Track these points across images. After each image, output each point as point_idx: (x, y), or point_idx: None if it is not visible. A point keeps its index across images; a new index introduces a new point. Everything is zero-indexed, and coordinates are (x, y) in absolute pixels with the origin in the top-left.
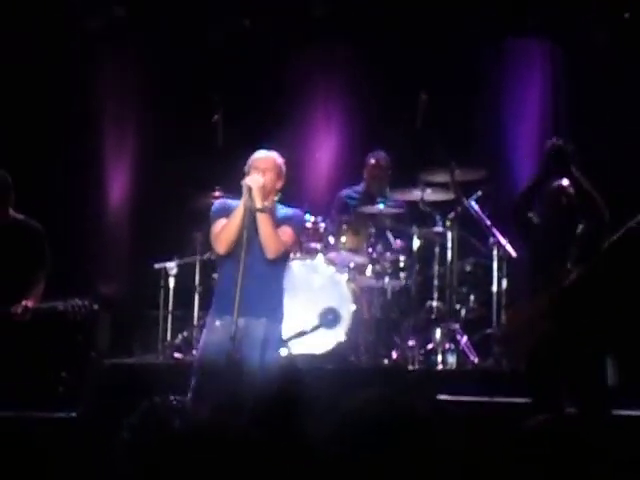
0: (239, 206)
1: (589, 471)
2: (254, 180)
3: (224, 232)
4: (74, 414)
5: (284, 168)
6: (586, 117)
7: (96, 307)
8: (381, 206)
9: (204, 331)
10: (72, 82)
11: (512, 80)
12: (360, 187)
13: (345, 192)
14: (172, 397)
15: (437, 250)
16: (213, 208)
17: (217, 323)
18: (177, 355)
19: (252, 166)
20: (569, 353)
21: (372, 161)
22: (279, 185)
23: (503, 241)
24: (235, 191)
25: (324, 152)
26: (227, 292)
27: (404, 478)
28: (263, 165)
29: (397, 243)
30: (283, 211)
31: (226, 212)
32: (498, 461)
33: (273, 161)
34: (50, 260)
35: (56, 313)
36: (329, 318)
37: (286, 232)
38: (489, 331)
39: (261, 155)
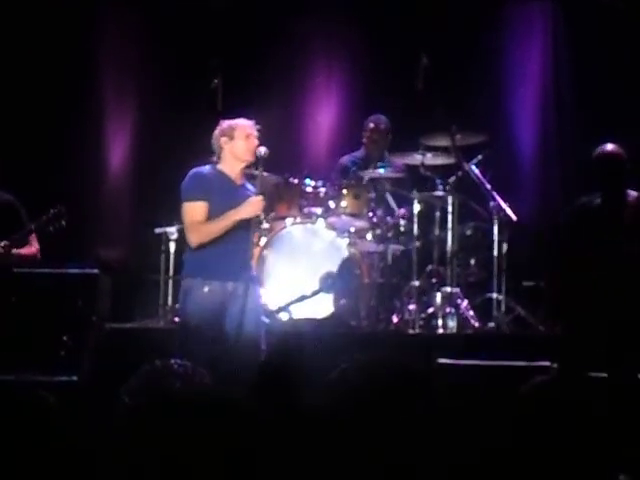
0: (232, 217)
1: (587, 434)
2: (255, 206)
3: (207, 235)
4: (75, 378)
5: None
6: (588, 80)
7: (64, 217)
8: (381, 170)
9: (189, 297)
10: (72, 46)
11: (513, 43)
12: (360, 153)
13: (345, 158)
14: (173, 361)
15: (437, 214)
16: (187, 185)
17: (206, 289)
18: (178, 319)
19: (245, 132)
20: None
21: (371, 125)
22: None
23: (503, 205)
24: None
25: (324, 117)
26: (215, 258)
27: (401, 440)
28: (255, 132)
29: (400, 212)
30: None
31: (202, 192)
32: (497, 423)
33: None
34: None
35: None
36: (329, 282)
37: None
38: (489, 295)
39: (249, 122)
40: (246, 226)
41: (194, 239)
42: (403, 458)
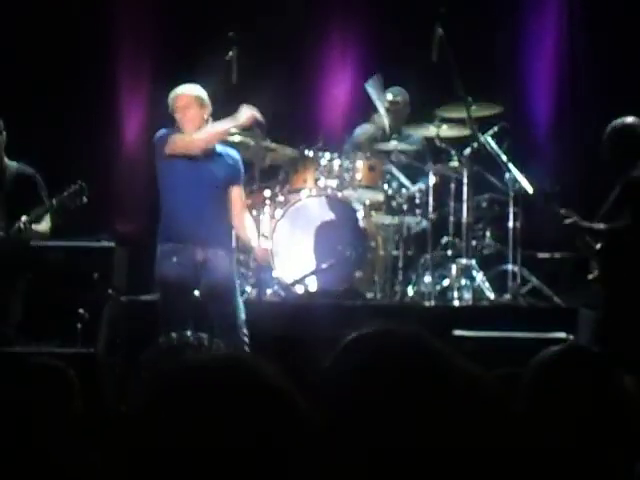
0: (230, 126)
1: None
2: (249, 114)
3: (214, 136)
4: (92, 350)
5: (204, 95)
6: (604, 52)
7: (85, 193)
8: (396, 143)
9: (158, 267)
10: (86, 21)
11: (529, 14)
12: (374, 125)
13: (360, 129)
14: (189, 333)
15: (453, 186)
16: (163, 132)
17: (174, 259)
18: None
19: (173, 107)
20: None
21: (389, 97)
22: (207, 114)
23: (519, 177)
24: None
25: (339, 89)
26: (178, 222)
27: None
28: (182, 103)
29: (416, 189)
30: (223, 147)
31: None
32: (509, 392)
33: (189, 95)
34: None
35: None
36: (345, 255)
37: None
38: (505, 267)
39: (177, 93)
40: (208, 193)
41: (200, 143)
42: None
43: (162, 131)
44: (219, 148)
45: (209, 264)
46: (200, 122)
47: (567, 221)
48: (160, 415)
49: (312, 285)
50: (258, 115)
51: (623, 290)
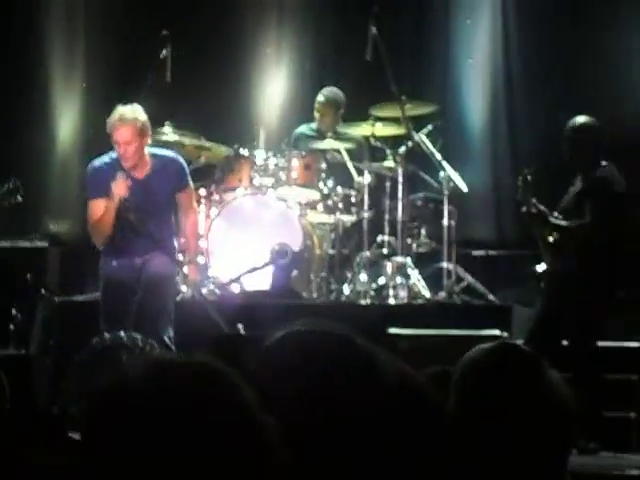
0: (109, 207)
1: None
2: (119, 188)
3: (101, 230)
4: (24, 352)
5: (146, 123)
6: (538, 48)
7: (20, 191)
8: (331, 142)
9: (101, 271)
10: (19, 15)
11: (462, 10)
12: (312, 124)
13: (300, 129)
14: (123, 334)
15: (388, 185)
16: (87, 181)
17: (114, 263)
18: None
19: (113, 138)
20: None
21: (320, 98)
22: (147, 141)
23: (454, 175)
24: (185, 126)
25: (275, 88)
26: (117, 243)
27: (335, 408)
28: (123, 138)
29: (359, 179)
30: (161, 157)
31: (101, 190)
32: (440, 391)
33: (132, 129)
34: None
35: (4, 251)
36: (281, 254)
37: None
38: (440, 265)
39: (117, 125)
40: (128, 208)
41: (96, 242)
42: (342, 419)
43: (90, 177)
44: (159, 157)
45: (149, 262)
46: (140, 155)
47: (536, 209)
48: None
49: (248, 284)
50: (122, 191)
51: (575, 285)
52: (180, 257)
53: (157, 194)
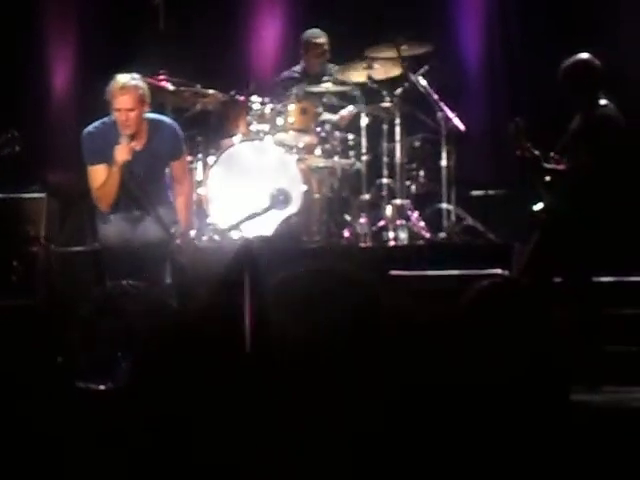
0: (113, 173)
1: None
2: (121, 154)
3: (106, 196)
4: (26, 302)
5: (147, 91)
6: None
7: (17, 141)
8: (327, 84)
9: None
10: None
11: None
12: (299, 67)
13: (286, 73)
14: (125, 282)
15: (385, 127)
16: (84, 148)
17: (111, 216)
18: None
19: (114, 105)
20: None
21: (307, 40)
22: (147, 109)
23: (451, 115)
24: (180, 74)
25: (268, 32)
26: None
27: (345, 345)
28: (125, 105)
29: (342, 115)
30: (157, 121)
31: (99, 156)
32: (444, 327)
33: (134, 96)
34: None
35: (2, 202)
36: (280, 199)
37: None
38: (439, 206)
39: (119, 92)
40: (145, 171)
41: (101, 205)
42: (349, 366)
43: (87, 144)
44: (155, 122)
45: (145, 224)
46: (139, 123)
47: (531, 154)
48: None
49: (248, 230)
50: (127, 155)
51: (573, 222)
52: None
53: (155, 161)
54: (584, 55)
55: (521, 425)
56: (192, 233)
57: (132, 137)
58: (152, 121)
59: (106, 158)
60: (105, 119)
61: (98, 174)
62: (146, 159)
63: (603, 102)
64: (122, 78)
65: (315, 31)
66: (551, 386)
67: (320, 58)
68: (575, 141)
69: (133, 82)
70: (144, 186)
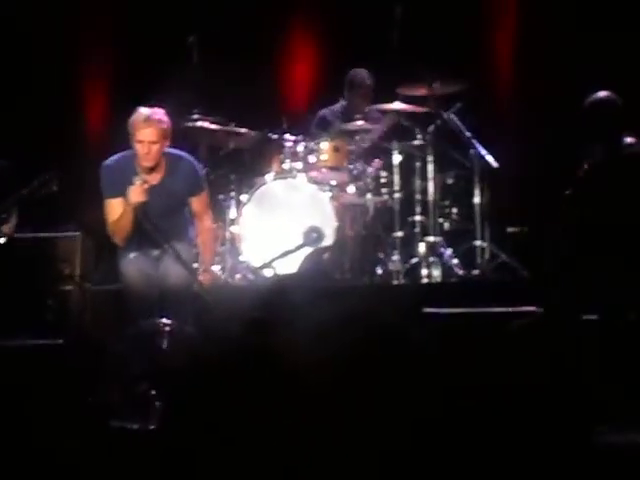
0: (126, 211)
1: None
2: (135, 195)
3: (119, 231)
4: (60, 341)
5: (170, 126)
6: (562, 23)
7: (55, 182)
8: (362, 123)
9: (120, 263)
10: (51, 16)
11: None
12: (338, 106)
13: (323, 112)
14: (158, 320)
15: (418, 164)
16: (102, 180)
17: (131, 255)
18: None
19: (136, 137)
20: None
21: (354, 80)
22: (167, 144)
23: (484, 152)
24: (211, 111)
25: (301, 71)
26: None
27: (376, 386)
28: (149, 138)
29: (376, 162)
30: (174, 156)
31: (116, 190)
32: (478, 364)
33: (157, 129)
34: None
35: (39, 241)
36: (313, 236)
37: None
38: (473, 243)
39: (143, 124)
40: (164, 210)
41: (116, 239)
42: (386, 405)
43: (105, 176)
44: (175, 161)
45: (166, 262)
46: (159, 157)
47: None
48: None
49: (281, 268)
50: (141, 196)
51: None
52: (194, 265)
53: (171, 195)
54: (604, 93)
55: (543, 463)
56: (216, 269)
57: (150, 170)
58: (171, 156)
59: (123, 192)
60: (125, 152)
61: (114, 208)
62: (162, 193)
63: (630, 140)
64: (146, 110)
65: (362, 71)
66: (574, 426)
67: (366, 99)
68: (601, 173)
69: (157, 115)
70: (159, 225)
